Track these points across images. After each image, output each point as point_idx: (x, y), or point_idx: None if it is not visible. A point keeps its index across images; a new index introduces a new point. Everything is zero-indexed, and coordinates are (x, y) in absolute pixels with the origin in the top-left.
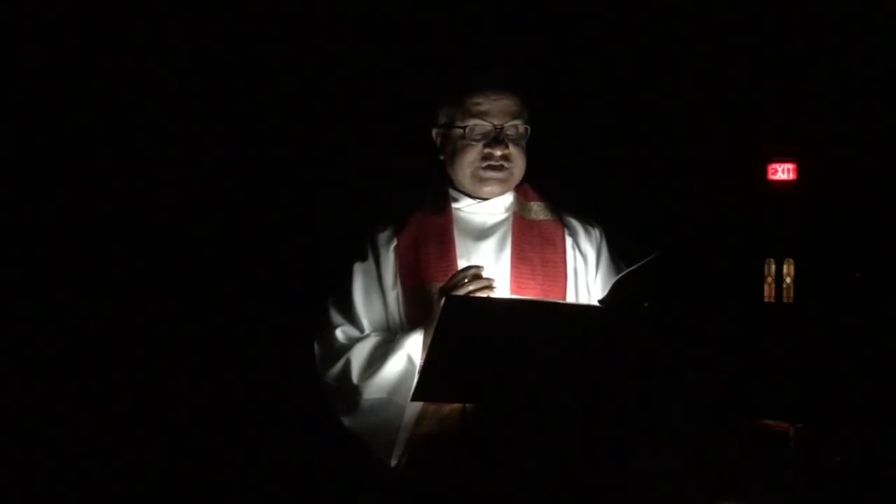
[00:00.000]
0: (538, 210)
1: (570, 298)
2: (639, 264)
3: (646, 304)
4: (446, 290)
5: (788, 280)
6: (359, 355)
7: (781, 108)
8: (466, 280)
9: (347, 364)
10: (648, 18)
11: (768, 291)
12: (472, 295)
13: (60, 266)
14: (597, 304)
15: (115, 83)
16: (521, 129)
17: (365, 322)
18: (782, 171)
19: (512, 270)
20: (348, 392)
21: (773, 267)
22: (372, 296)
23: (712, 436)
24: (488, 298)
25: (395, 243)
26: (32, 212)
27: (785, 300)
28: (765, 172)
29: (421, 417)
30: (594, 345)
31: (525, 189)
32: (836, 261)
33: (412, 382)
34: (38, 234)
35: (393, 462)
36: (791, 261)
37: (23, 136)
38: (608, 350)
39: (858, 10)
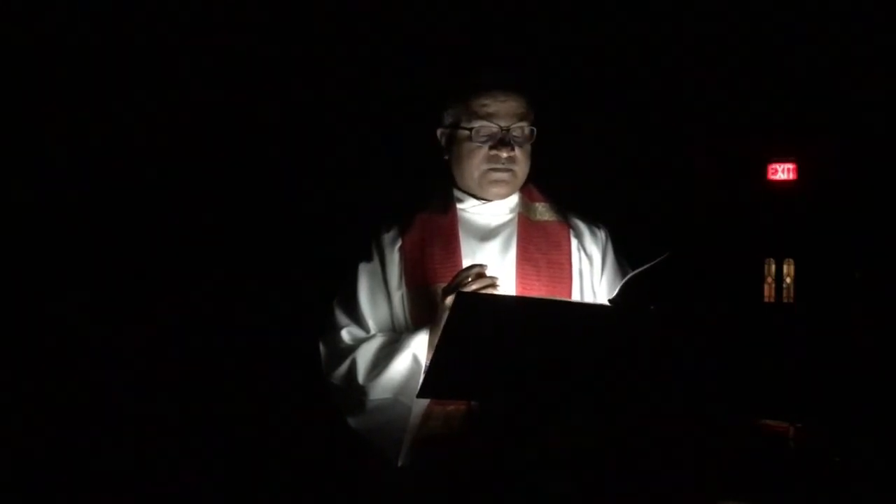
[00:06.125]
0: (543, 211)
1: (576, 299)
2: (647, 265)
3: (651, 305)
4: (450, 290)
5: (788, 280)
6: (364, 356)
7: (781, 108)
8: (470, 279)
9: (353, 365)
10: (649, 19)
11: (768, 291)
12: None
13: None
14: (606, 303)
15: (116, 80)
16: (527, 131)
17: (370, 323)
18: (782, 171)
19: (517, 271)
20: (354, 393)
21: (773, 267)
22: (377, 296)
23: (712, 436)
24: (498, 295)
25: (399, 244)
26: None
27: (785, 300)
28: (765, 172)
29: (427, 417)
30: (601, 344)
31: (530, 190)
32: (836, 261)
33: (418, 382)
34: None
35: (400, 462)
36: (791, 261)
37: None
38: (615, 349)
39: (859, 10)
